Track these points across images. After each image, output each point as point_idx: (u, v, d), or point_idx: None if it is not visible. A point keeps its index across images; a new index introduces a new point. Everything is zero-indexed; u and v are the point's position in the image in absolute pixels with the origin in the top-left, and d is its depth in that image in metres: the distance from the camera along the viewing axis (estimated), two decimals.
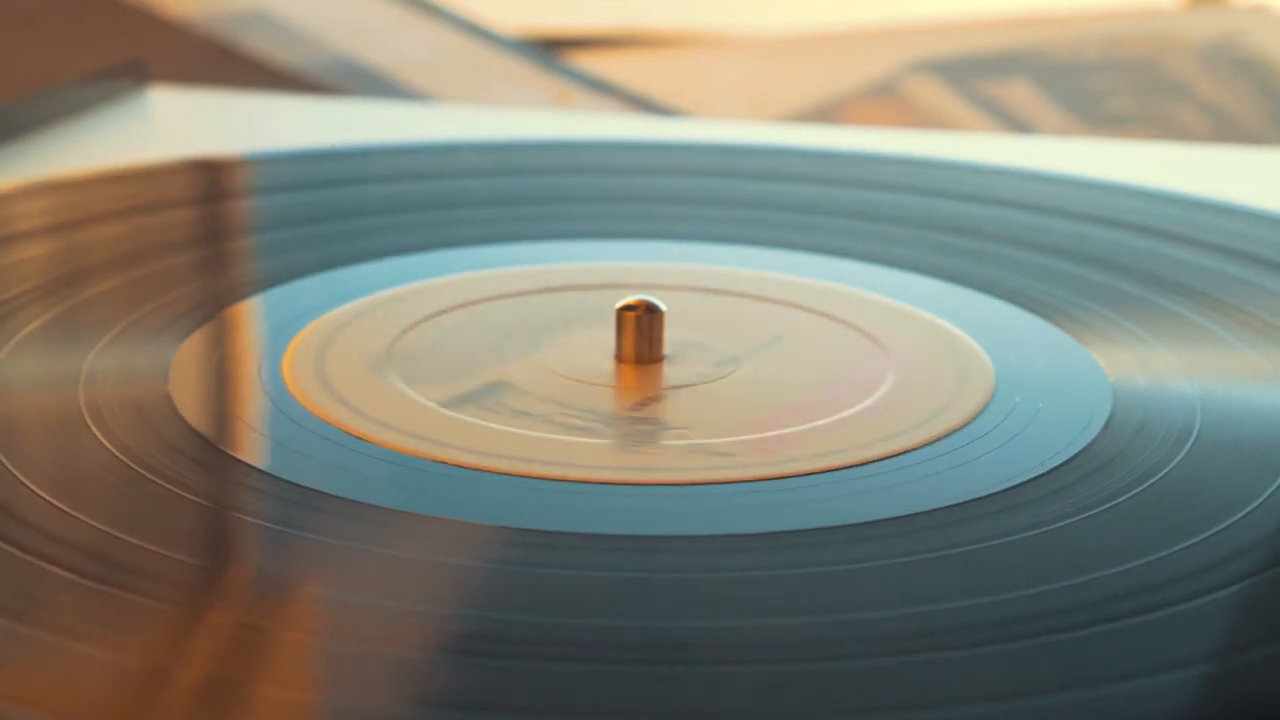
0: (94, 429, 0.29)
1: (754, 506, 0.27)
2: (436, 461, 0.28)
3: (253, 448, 0.28)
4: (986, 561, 0.25)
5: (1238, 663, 0.22)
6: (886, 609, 0.23)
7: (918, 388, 0.32)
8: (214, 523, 0.26)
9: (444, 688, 0.21)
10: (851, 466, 0.28)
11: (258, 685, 0.21)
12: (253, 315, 0.35)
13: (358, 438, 0.29)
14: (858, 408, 0.31)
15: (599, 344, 0.34)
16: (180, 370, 0.31)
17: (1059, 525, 0.26)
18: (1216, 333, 0.35)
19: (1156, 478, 0.28)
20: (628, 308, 0.33)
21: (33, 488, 0.26)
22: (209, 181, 0.47)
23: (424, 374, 0.32)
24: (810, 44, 1.16)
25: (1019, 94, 1.05)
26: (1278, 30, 1.18)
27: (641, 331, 0.33)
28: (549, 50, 1.02)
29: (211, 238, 0.42)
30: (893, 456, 0.29)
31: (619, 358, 0.33)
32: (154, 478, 0.27)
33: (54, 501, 0.26)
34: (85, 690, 0.21)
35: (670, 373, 0.33)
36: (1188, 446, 0.29)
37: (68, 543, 0.24)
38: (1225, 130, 1.03)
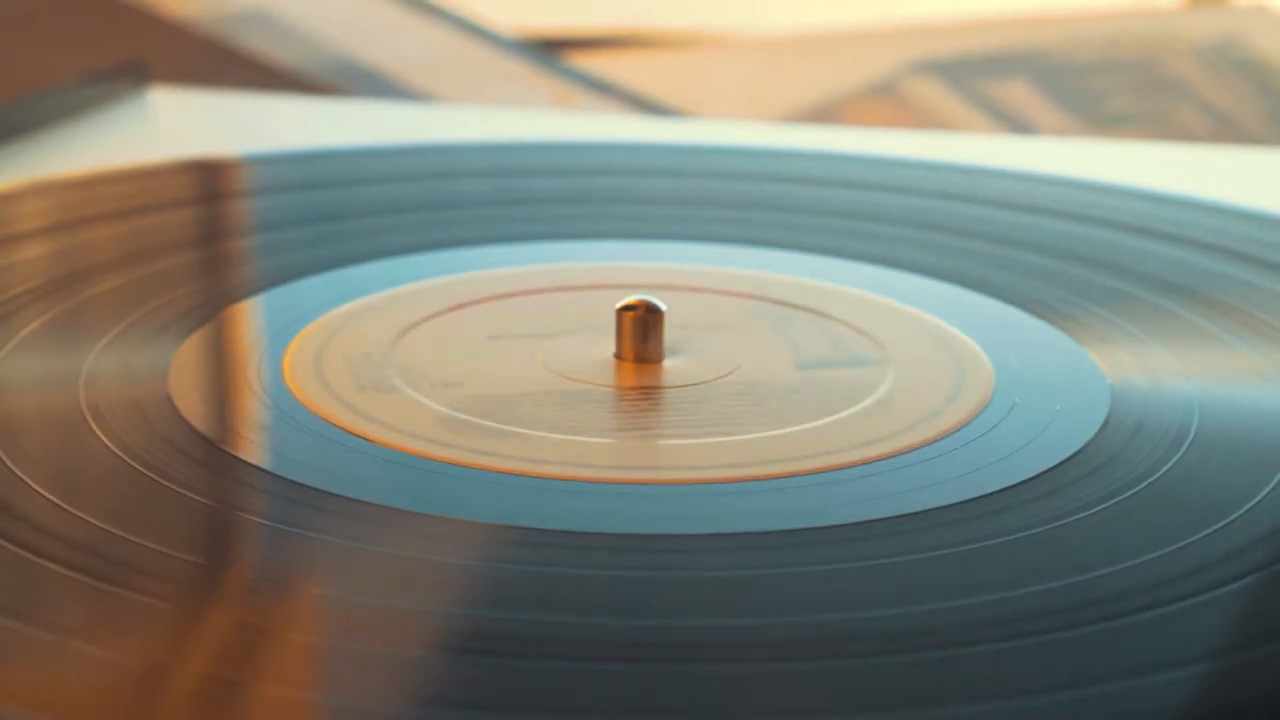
0: (94, 428, 0.29)
1: (754, 506, 0.27)
2: (436, 461, 0.28)
3: (252, 447, 0.28)
4: (986, 561, 0.25)
5: (1238, 661, 0.22)
6: (886, 609, 0.23)
7: (918, 388, 0.32)
8: (214, 522, 0.26)
9: (444, 687, 0.21)
10: (851, 466, 0.28)
11: (257, 684, 0.21)
12: (253, 315, 0.35)
13: (358, 438, 0.29)
14: (858, 408, 0.31)
15: (599, 344, 0.34)
16: (180, 370, 0.31)
17: (1058, 525, 0.26)
18: (1215, 333, 0.35)
19: (1155, 477, 0.28)
20: (628, 308, 0.33)
21: (33, 486, 0.26)
22: (208, 181, 0.47)
23: (424, 374, 0.32)
24: (810, 44, 1.16)
25: (1019, 94, 1.05)
26: (1278, 30, 1.18)
27: (641, 331, 0.33)
28: (549, 50, 1.02)
29: (211, 238, 0.42)
30: (893, 456, 0.29)
31: (619, 357, 0.33)
32: (154, 476, 0.27)
33: (55, 500, 0.26)
34: (85, 689, 0.21)
35: (670, 373, 0.33)
36: (1186, 446, 0.29)
37: (68, 541, 0.25)
38: (1225, 130, 1.03)
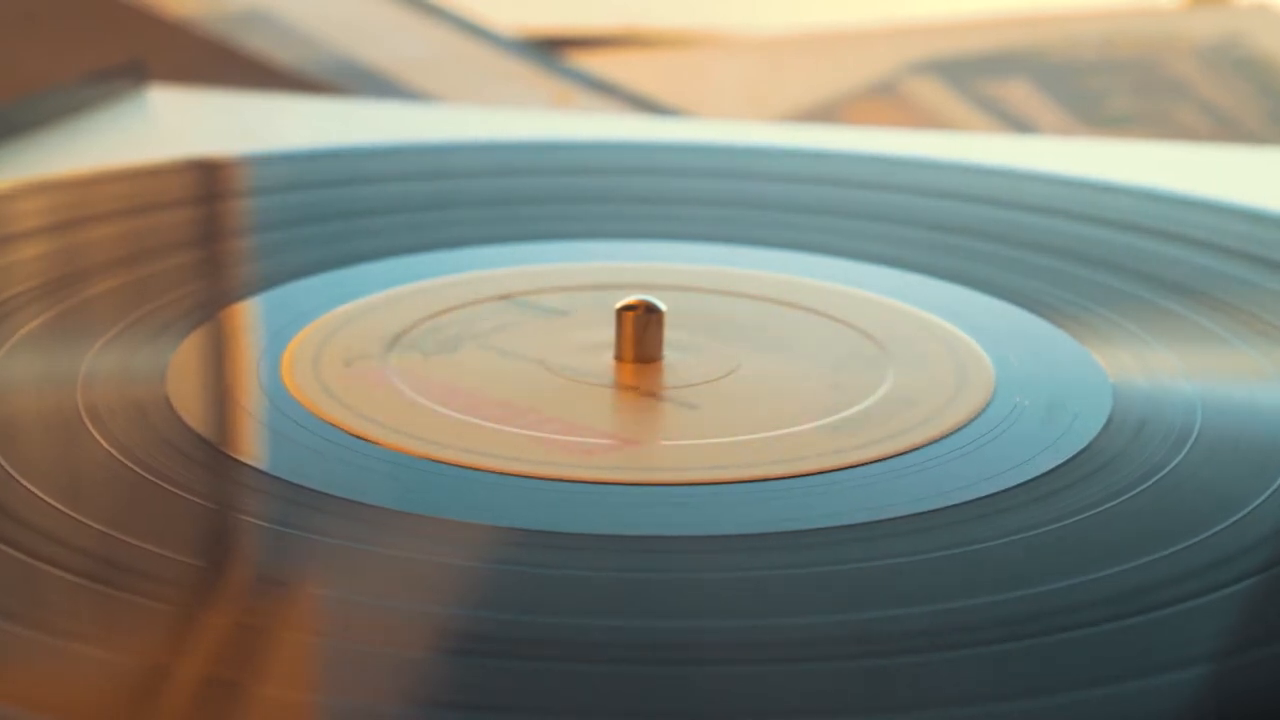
0: (93, 429, 0.29)
1: (754, 506, 0.27)
2: (436, 461, 0.28)
3: (252, 447, 0.28)
4: (987, 561, 0.25)
5: (1237, 663, 0.22)
6: (886, 609, 0.23)
7: (918, 388, 0.32)
8: (213, 523, 0.26)
9: (444, 688, 0.21)
10: (851, 467, 0.28)
11: (257, 685, 0.21)
12: (252, 315, 0.35)
13: (357, 438, 0.29)
14: (858, 408, 0.31)
15: (599, 344, 0.34)
16: (179, 370, 0.31)
17: (1059, 525, 0.26)
18: (1216, 333, 0.35)
19: (1156, 478, 0.28)
20: (628, 308, 0.33)
21: (32, 488, 0.26)
22: (209, 181, 0.47)
23: (423, 374, 0.32)
24: (810, 44, 1.16)
25: (1019, 94, 1.05)
26: (1278, 30, 1.18)
27: (641, 331, 0.33)
28: (549, 50, 1.02)
29: (211, 238, 0.42)
30: (893, 456, 0.29)
31: (619, 358, 0.33)
32: (153, 478, 0.27)
33: (53, 502, 0.26)
34: (85, 690, 0.21)
35: (670, 373, 0.33)
36: (1188, 446, 0.29)
37: (67, 543, 0.24)
38: (1225, 130, 1.03)
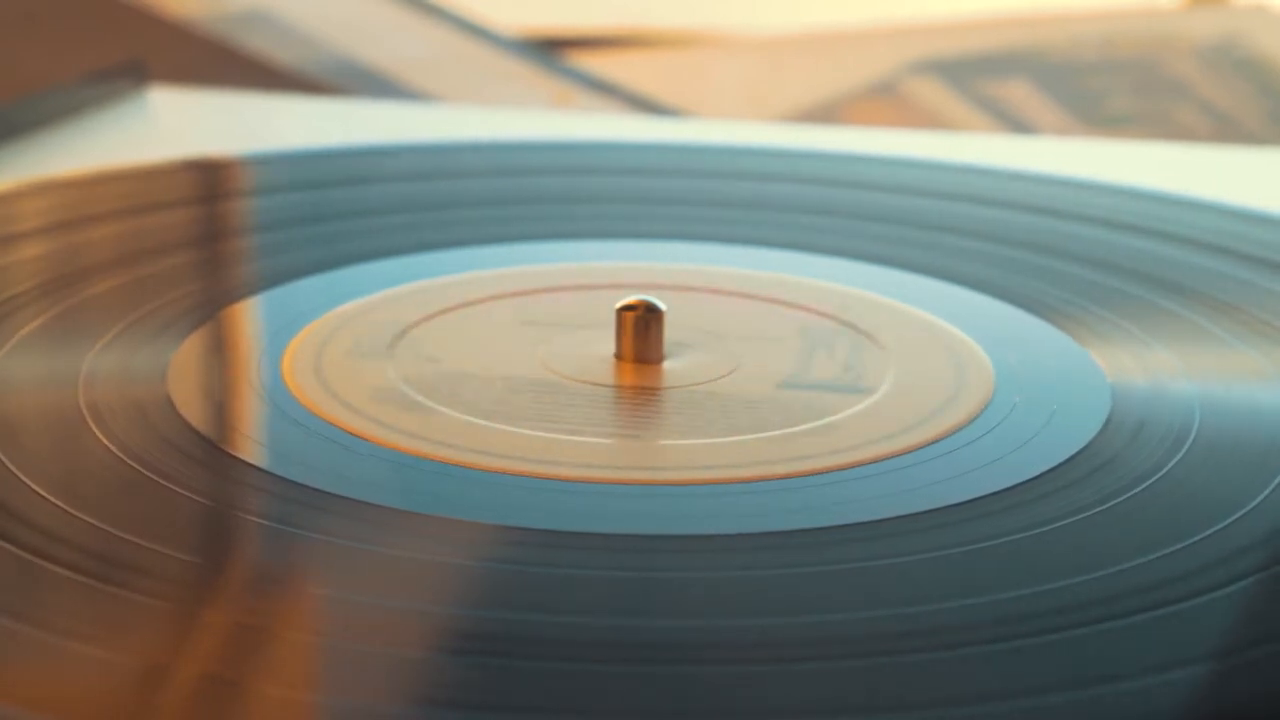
0: (94, 428, 0.29)
1: (754, 506, 0.27)
2: (436, 461, 0.28)
3: (252, 447, 0.28)
4: (986, 561, 0.25)
5: (1238, 662, 0.22)
6: (886, 609, 0.23)
7: (918, 388, 0.32)
8: (213, 522, 0.26)
9: (444, 688, 0.21)
10: (851, 466, 0.28)
11: (257, 684, 0.21)
12: (252, 315, 0.35)
13: (358, 437, 0.29)
14: (857, 408, 0.31)
15: (599, 344, 0.34)
16: (180, 370, 0.31)
17: (1058, 525, 0.26)
18: (1216, 333, 0.35)
19: (1155, 478, 0.28)
20: (628, 308, 0.33)
21: (33, 487, 0.26)
22: (209, 181, 0.47)
23: (423, 374, 0.32)
24: (810, 44, 1.16)
25: (1019, 94, 1.05)
26: (1278, 30, 1.18)
27: (641, 331, 0.33)
28: (549, 50, 1.02)
29: (211, 238, 0.42)
30: (893, 456, 0.29)
31: (619, 357, 0.33)
32: (154, 477, 0.27)
33: (54, 500, 0.26)
34: (84, 690, 0.21)
35: (670, 373, 0.33)
36: (1186, 446, 0.29)
37: (67, 541, 0.24)
38: (1225, 130, 1.03)
